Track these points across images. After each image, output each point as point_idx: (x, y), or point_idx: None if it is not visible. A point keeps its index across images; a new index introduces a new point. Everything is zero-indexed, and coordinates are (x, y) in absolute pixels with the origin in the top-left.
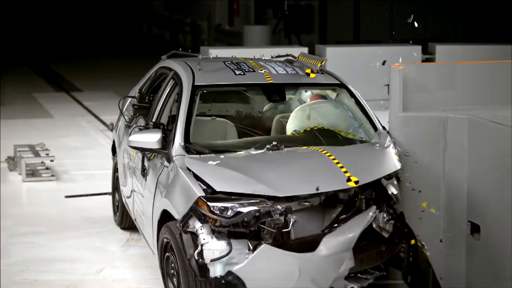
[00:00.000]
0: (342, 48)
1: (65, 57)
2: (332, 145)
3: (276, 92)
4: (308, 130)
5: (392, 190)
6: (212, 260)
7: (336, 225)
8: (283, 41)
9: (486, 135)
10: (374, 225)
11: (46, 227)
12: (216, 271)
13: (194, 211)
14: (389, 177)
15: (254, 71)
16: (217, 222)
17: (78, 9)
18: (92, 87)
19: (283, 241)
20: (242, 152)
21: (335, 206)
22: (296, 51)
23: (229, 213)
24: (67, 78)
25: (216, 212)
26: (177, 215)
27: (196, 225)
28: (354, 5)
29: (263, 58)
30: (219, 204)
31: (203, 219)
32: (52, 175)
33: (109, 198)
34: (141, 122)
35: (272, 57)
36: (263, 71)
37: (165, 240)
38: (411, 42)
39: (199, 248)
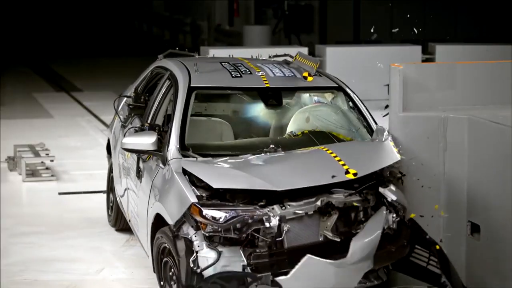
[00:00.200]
0: (342, 48)
1: (65, 57)
2: None
3: (273, 97)
4: (305, 133)
5: (392, 196)
6: (206, 267)
7: (358, 228)
8: (283, 41)
9: (486, 135)
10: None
11: (46, 227)
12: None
13: (187, 217)
14: (388, 178)
15: (251, 73)
16: (208, 227)
17: (78, 9)
18: (92, 87)
19: (320, 250)
20: (239, 158)
21: (331, 214)
22: (296, 51)
23: (221, 219)
24: (67, 78)
25: (208, 217)
26: (170, 220)
27: (189, 231)
28: (354, 5)
29: (261, 58)
30: (212, 210)
31: (196, 226)
32: (52, 175)
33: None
34: (136, 122)
35: (269, 56)
36: (260, 73)
37: (162, 245)
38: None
39: (194, 255)
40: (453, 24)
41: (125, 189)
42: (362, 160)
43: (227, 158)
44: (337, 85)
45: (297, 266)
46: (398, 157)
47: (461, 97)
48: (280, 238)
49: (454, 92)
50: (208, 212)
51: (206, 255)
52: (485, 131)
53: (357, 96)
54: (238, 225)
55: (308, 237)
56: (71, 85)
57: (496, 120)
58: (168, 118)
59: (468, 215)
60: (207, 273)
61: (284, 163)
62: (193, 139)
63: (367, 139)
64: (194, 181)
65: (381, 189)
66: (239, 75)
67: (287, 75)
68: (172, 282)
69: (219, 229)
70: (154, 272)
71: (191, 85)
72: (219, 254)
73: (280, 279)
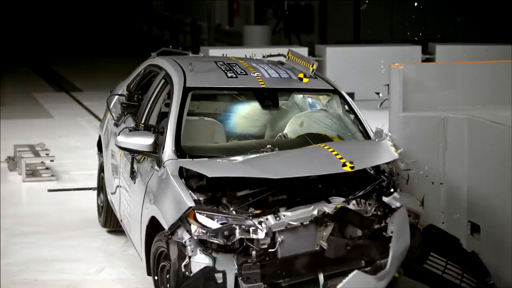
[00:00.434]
0: (342, 48)
1: (65, 57)
2: None
3: (269, 98)
4: (300, 136)
5: (397, 204)
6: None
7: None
8: (283, 41)
9: (486, 135)
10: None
11: (46, 227)
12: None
13: (183, 221)
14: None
15: (246, 74)
16: (197, 231)
17: (78, 9)
18: (92, 87)
19: (366, 265)
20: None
21: (327, 225)
22: (296, 51)
23: (211, 225)
24: (67, 78)
25: (199, 222)
26: (165, 224)
27: (184, 236)
28: (354, 5)
29: (255, 57)
30: (204, 215)
31: (191, 230)
32: (52, 175)
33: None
34: (130, 121)
35: (263, 56)
36: (255, 74)
37: (160, 249)
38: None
39: (187, 259)
40: (453, 24)
41: (117, 188)
42: (360, 156)
43: (224, 157)
44: (333, 88)
45: (344, 280)
46: (395, 155)
47: (461, 97)
48: (273, 250)
49: (454, 92)
50: (200, 217)
51: (199, 261)
52: (485, 131)
53: (351, 100)
54: (225, 233)
55: (304, 247)
56: (71, 85)
57: (496, 120)
58: (162, 117)
59: (468, 215)
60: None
61: (281, 157)
62: (185, 140)
63: None
64: (191, 185)
65: (385, 199)
66: (234, 75)
67: (282, 76)
68: (168, 286)
69: (207, 233)
70: (148, 274)
71: (187, 86)
72: (214, 260)
73: None
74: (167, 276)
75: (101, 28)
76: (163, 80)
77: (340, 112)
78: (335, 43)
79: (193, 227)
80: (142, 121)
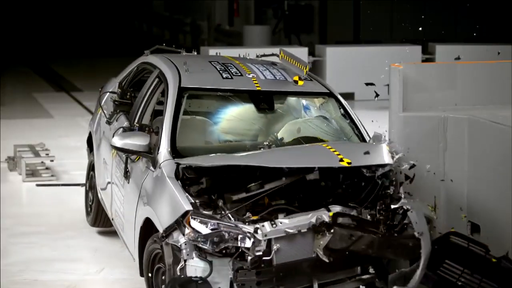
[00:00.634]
0: (342, 48)
1: (65, 57)
2: None
3: (264, 100)
4: (295, 139)
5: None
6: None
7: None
8: (283, 41)
9: (486, 135)
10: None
11: (46, 227)
12: None
13: (179, 224)
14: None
15: (241, 75)
16: (187, 235)
17: (78, 9)
18: (92, 87)
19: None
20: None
21: (324, 233)
22: (296, 51)
23: (202, 229)
24: (67, 78)
25: (192, 226)
26: (160, 227)
27: (180, 239)
28: (354, 5)
29: (248, 57)
30: (197, 219)
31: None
32: (52, 175)
33: None
34: (123, 119)
35: (257, 56)
36: (250, 76)
37: (155, 251)
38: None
39: (182, 263)
40: (453, 24)
41: (108, 185)
42: (357, 154)
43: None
44: (328, 91)
45: None
46: (390, 160)
47: (461, 97)
48: (269, 258)
49: (454, 92)
50: (193, 222)
51: (195, 265)
52: (485, 131)
53: (347, 103)
54: (215, 239)
55: (301, 254)
56: (71, 85)
57: (496, 120)
58: (155, 116)
59: (468, 215)
60: None
61: (279, 151)
62: (180, 140)
63: None
64: (188, 187)
65: (393, 206)
66: (229, 76)
67: (278, 78)
68: (163, 287)
69: (198, 238)
70: (141, 275)
71: (182, 86)
72: (211, 265)
73: None
74: (163, 277)
75: (101, 28)
76: (157, 79)
77: (336, 116)
78: (335, 43)
79: (186, 231)
80: (136, 120)
